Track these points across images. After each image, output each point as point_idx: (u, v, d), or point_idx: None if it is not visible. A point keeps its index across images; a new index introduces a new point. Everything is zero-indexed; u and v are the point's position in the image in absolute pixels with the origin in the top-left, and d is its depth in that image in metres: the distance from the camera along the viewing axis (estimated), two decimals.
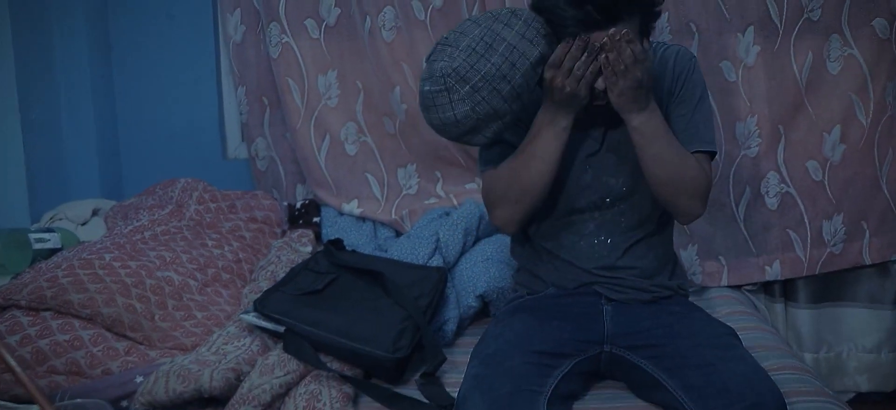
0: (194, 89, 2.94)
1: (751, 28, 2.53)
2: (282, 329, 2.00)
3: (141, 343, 2.02)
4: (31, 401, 1.84)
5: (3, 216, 2.61)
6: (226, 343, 1.99)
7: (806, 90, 2.57)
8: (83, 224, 2.58)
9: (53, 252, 2.35)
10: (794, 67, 2.56)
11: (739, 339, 1.86)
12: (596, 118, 1.88)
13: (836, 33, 2.55)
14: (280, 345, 1.98)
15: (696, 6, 2.54)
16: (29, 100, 2.64)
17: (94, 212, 2.63)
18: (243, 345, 1.98)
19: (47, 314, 2.00)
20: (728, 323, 2.06)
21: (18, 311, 2.01)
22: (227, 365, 1.87)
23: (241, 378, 1.88)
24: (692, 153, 1.86)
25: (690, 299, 2.06)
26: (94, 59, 2.84)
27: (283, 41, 2.73)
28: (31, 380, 1.46)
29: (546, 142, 1.81)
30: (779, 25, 2.53)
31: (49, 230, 2.40)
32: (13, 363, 1.48)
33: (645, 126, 1.77)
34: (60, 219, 2.54)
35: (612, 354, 1.87)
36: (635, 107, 1.75)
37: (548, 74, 1.74)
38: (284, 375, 1.89)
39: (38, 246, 2.32)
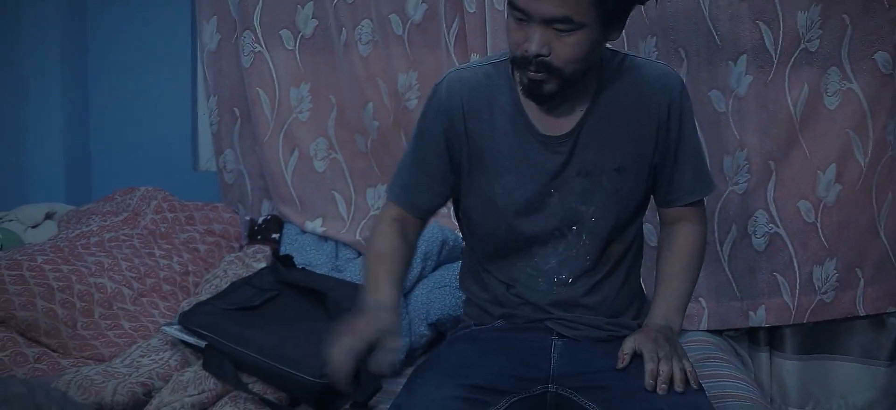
0: (169, 97, 2.88)
1: (743, 56, 2.37)
2: (204, 344, 1.87)
3: (55, 351, 1.92)
4: None
5: None
6: (143, 356, 1.87)
7: (800, 125, 2.40)
8: (34, 226, 2.49)
9: None
10: (789, 100, 2.39)
11: (701, 388, 1.67)
12: (560, 121, 1.69)
13: (836, 66, 2.38)
14: (201, 361, 1.85)
15: (686, 31, 2.39)
16: None
17: (48, 216, 2.55)
18: (161, 359, 1.86)
19: None
20: (702, 371, 1.90)
21: None
22: (136, 379, 1.75)
23: (152, 393, 1.75)
24: (694, 203, 1.75)
25: None
26: (67, 62, 2.79)
27: (256, 50, 2.63)
28: None
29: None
30: (773, 55, 2.36)
31: None
32: None
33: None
34: (11, 220, 2.45)
35: (558, 394, 1.67)
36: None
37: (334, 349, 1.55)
38: (198, 394, 1.76)
39: None
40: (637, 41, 2.44)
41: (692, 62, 2.40)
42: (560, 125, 1.68)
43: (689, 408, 1.55)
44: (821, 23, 2.34)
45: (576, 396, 1.64)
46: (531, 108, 1.68)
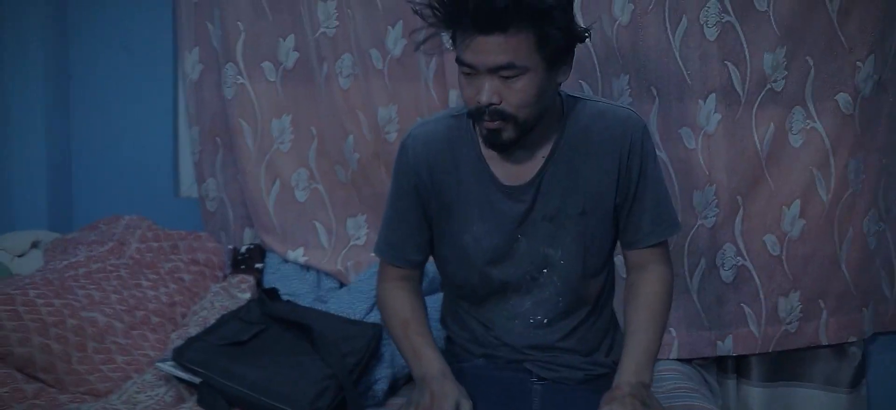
0: (151, 124, 2.96)
1: (712, 95, 2.52)
2: (198, 380, 1.98)
3: (52, 386, 2.01)
4: None
5: None
6: (139, 392, 1.98)
7: (767, 161, 2.55)
8: (21, 255, 2.57)
9: None
10: (756, 137, 2.54)
11: None
12: (522, 170, 1.81)
13: (800, 105, 2.53)
14: (195, 397, 1.96)
15: (657, 70, 2.53)
16: None
17: (34, 245, 2.63)
18: (156, 395, 1.97)
19: None
20: (672, 402, 2.06)
21: None
22: None
23: None
24: (657, 244, 1.86)
25: None
26: (49, 88, 2.86)
27: (239, 82, 2.73)
28: None
29: (411, 369, 1.85)
30: (741, 94, 2.52)
31: None
32: None
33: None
34: None
35: None
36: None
37: None
38: None
39: None
40: (610, 79, 2.57)
41: (663, 100, 2.54)
42: (522, 174, 1.80)
43: None
44: (786, 64, 2.49)
45: None
46: (493, 159, 1.80)
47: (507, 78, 1.65)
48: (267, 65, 2.75)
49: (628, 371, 1.75)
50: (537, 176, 1.79)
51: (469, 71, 1.67)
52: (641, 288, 1.85)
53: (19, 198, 2.84)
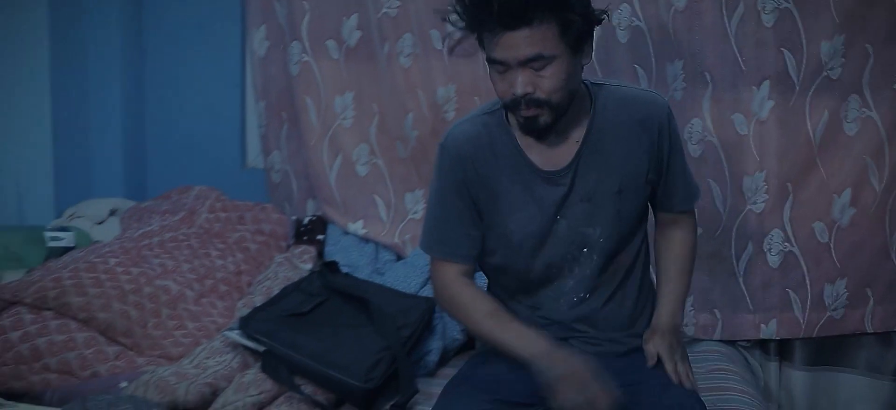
0: (220, 98, 3.13)
1: (767, 82, 2.58)
2: (262, 348, 2.16)
3: (130, 350, 2.21)
4: (25, 397, 2.06)
5: (30, 207, 2.86)
6: (208, 358, 2.16)
7: (819, 149, 2.61)
8: (100, 223, 2.78)
9: (67, 250, 2.55)
10: (809, 125, 2.59)
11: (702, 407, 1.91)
12: (558, 156, 1.92)
13: (856, 94, 2.57)
14: (259, 364, 2.14)
15: (713, 56, 2.60)
16: (61, 101, 2.87)
17: (112, 212, 2.83)
18: (224, 361, 2.15)
19: (48, 313, 2.20)
20: (710, 382, 2.22)
21: (23, 308, 2.21)
22: (204, 380, 2.05)
23: (217, 393, 2.05)
24: (687, 210, 2.04)
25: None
26: (126, 64, 3.06)
27: (303, 60, 2.88)
28: None
29: (517, 356, 1.88)
30: (796, 81, 2.57)
31: (64, 229, 2.60)
32: None
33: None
34: (79, 216, 2.75)
35: None
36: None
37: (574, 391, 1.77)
38: (258, 394, 2.05)
39: (52, 243, 2.53)
40: (665, 64, 2.65)
41: (717, 86, 2.61)
42: (558, 159, 1.92)
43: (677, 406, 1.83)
44: (844, 51, 2.53)
45: None
46: (530, 148, 1.92)
47: (537, 68, 1.78)
48: (331, 43, 2.89)
49: (664, 314, 2.00)
50: (574, 160, 1.91)
51: (501, 68, 1.80)
52: (672, 244, 2.07)
53: (98, 168, 3.05)
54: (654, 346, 1.94)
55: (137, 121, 3.14)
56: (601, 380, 1.77)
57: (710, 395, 2.22)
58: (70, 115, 2.93)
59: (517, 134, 1.92)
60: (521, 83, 1.77)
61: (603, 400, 1.75)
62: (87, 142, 3.03)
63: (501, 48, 1.75)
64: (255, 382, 2.07)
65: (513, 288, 2.03)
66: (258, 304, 2.35)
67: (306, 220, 2.91)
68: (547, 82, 1.78)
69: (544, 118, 1.83)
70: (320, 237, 2.86)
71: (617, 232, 1.95)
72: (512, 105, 1.83)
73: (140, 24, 3.10)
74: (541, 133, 1.88)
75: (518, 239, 1.95)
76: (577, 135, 1.92)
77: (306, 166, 2.98)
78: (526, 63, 1.76)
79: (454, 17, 1.80)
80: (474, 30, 1.80)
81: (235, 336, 2.19)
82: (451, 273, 1.98)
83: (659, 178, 1.97)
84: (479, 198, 1.96)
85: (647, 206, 2.03)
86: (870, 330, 2.67)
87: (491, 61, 1.80)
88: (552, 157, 1.92)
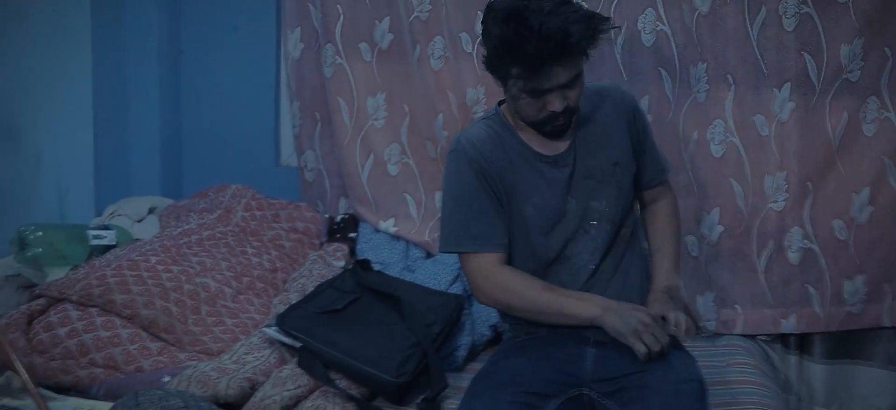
0: (254, 98, 3.23)
1: (788, 84, 2.64)
2: (299, 344, 2.25)
3: (173, 345, 2.31)
4: (73, 390, 2.16)
5: (72, 206, 2.96)
6: (247, 354, 2.26)
7: (838, 149, 2.67)
8: (139, 221, 2.89)
9: (108, 248, 2.66)
10: (829, 126, 2.66)
11: (704, 392, 2.02)
12: (557, 144, 2.14)
13: (875, 95, 2.63)
14: (295, 359, 2.24)
15: (735, 59, 2.67)
16: (101, 101, 2.98)
17: (151, 211, 2.94)
18: (262, 357, 2.25)
19: (94, 310, 2.31)
20: (729, 376, 2.34)
21: (70, 305, 2.32)
22: (244, 375, 2.14)
23: (256, 387, 2.15)
24: (662, 181, 2.32)
25: (699, 343, 2.34)
26: (163, 65, 3.16)
27: (337, 62, 2.97)
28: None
29: (580, 318, 2.05)
30: (816, 84, 2.64)
31: (106, 227, 2.71)
32: (16, 360, 1.76)
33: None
34: (119, 215, 2.86)
35: (593, 398, 2.05)
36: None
37: (647, 332, 1.97)
38: (295, 389, 2.15)
39: (94, 242, 2.64)
40: (688, 66, 2.72)
41: (739, 87, 2.68)
42: (558, 147, 2.14)
43: (674, 387, 1.95)
44: (863, 55, 2.60)
45: (605, 400, 2.02)
46: (532, 141, 2.14)
47: (570, 86, 2.00)
48: (363, 45, 2.98)
49: (661, 279, 2.21)
50: (571, 145, 2.14)
51: (537, 93, 1.99)
52: (658, 214, 2.32)
53: (136, 167, 3.16)
54: (656, 308, 2.07)
55: (174, 121, 3.25)
56: (660, 322, 1.99)
57: (730, 388, 2.32)
58: (110, 116, 3.04)
59: (520, 131, 2.14)
60: (559, 103, 2.00)
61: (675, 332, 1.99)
62: (126, 142, 3.14)
63: (547, 78, 1.96)
64: (292, 377, 2.17)
65: (533, 272, 2.16)
66: (293, 301, 2.44)
67: (339, 218, 3.00)
68: (575, 94, 2.02)
69: (568, 122, 2.08)
70: (352, 235, 2.95)
71: (618, 202, 2.16)
72: (546, 120, 2.04)
73: (178, 26, 3.20)
74: (565, 134, 2.12)
75: (536, 221, 2.13)
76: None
77: (339, 165, 3.08)
78: (563, 87, 1.98)
79: (503, 60, 1.99)
80: (520, 72, 1.97)
81: (273, 332, 2.29)
82: (491, 262, 2.12)
83: (639, 150, 2.22)
84: (499, 190, 2.12)
85: (633, 185, 2.24)
86: (887, 325, 2.74)
87: (531, 91, 1.99)
88: (552, 146, 2.14)
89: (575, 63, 1.96)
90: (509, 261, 2.16)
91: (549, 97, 1.99)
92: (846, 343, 2.79)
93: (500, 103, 2.21)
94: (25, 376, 1.85)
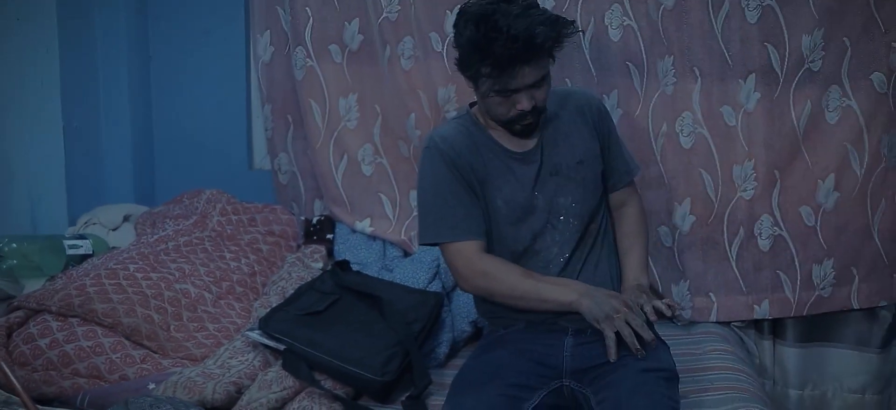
0: (225, 102, 3.23)
1: (753, 75, 2.71)
2: (282, 347, 2.27)
3: (156, 352, 2.31)
4: (57, 402, 2.16)
5: (45, 217, 2.94)
6: (231, 358, 2.27)
7: (803, 138, 2.74)
8: (114, 229, 2.88)
9: (85, 257, 2.65)
10: (793, 115, 2.73)
11: (674, 378, 2.07)
12: (525, 142, 2.22)
13: (836, 84, 2.71)
14: (280, 362, 2.26)
15: (701, 52, 2.73)
16: (71, 110, 2.96)
17: (126, 218, 2.94)
18: (246, 360, 2.26)
19: (75, 320, 2.30)
20: (707, 362, 2.42)
21: (49, 316, 2.31)
22: (230, 379, 2.16)
23: (242, 391, 2.16)
24: (629, 183, 2.38)
25: (675, 331, 2.41)
26: (133, 71, 3.15)
27: (308, 65, 2.98)
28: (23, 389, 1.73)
29: (559, 303, 2.11)
30: (780, 74, 2.71)
31: (82, 237, 2.70)
32: (7, 371, 1.76)
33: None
34: (94, 223, 2.85)
35: (573, 389, 2.11)
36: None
37: (620, 317, 2.01)
38: (281, 391, 2.17)
39: (71, 252, 2.63)
40: (656, 60, 2.77)
41: (705, 79, 2.74)
42: (526, 144, 2.23)
43: (644, 374, 2.00)
44: (823, 45, 2.67)
45: (582, 389, 2.09)
46: (502, 138, 2.23)
47: (537, 86, 2.10)
48: (333, 47, 2.99)
49: (630, 276, 2.28)
50: (538, 142, 2.24)
51: (506, 93, 2.09)
52: (626, 220, 2.38)
53: (109, 174, 3.15)
54: (630, 296, 2.13)
55: (146, 127, 3.24)
56: (635, 306, 2.04)
57: (708, 374, 2.39)
58: (80, 124, 3.02)
59: (490, 130, 2.23)
60: (527, 102, 2.10)
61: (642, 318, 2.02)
62: (97, 150, 3.13)
63: (517, 78, 2.06)
64: (278, 379, 2.19)
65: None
66: (274, 304, 2.46)
67: (315, 220, 3.02)
68: (542, 94, 2.13)
69: (536, 121, 2.17)
70: (329, 236, 2.97)
71: (584, 199, 2.24)
72: (515, 119, 2.14)
73: (146, 31, 3.19)
74: (533, 133, 2.21)
75: (506, 213, 2.21)
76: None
77: (312, 167, 3.09)
78: (532, 86, 2.08)
79: (473, 60, 2.08)
80: (493, 68, 2.05)
81: (256, 336, 2.31)
82: (471, 249, 2.18)
83: (605, 150, 2.30)
84: (472, 181, 2.20)
85: (602, 183, 2.32)
86: (856, 307, 2.82)
87: (500, 91, 2.09)
88: (521, 144, 2.23)
89: (541, 64, 2.08)
90: (489, 250, 2.21)
91: (517, 96, 2.09)
92: (817, 326, 2.87)
93: (471, 105, 2.29)
94: (22, 392, 1.83)
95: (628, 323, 1.99)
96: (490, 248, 2.21)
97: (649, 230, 2.58)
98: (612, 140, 2.34)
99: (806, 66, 2.70)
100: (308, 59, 2.98)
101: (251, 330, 2.34)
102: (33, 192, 2.97)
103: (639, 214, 2.41)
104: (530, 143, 2.23)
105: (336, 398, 2.19)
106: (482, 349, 2.24)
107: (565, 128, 2.27)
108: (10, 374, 1.76)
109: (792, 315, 2.82)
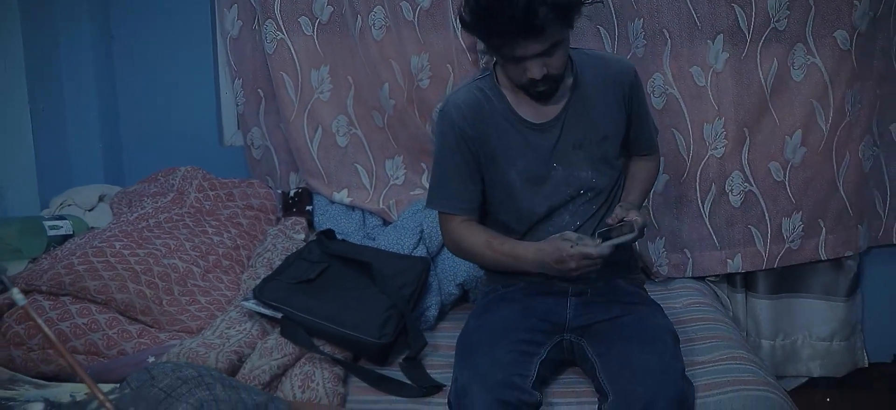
0: (192, 80, 3.25)
1: (720, 36, 2.86)
2: (279, 315, 2.34)
3: (152, 327, 2.36)
4: (56, 380, 2.19)
5: (15, 201, 2.93)
6: (228, 328, 2.33)
7: (771, 95, 2.90)
8: (90, 209, 2.89)
9: (66, 238, 2.67)
10: (760, 74, 2.89)
11: (674, 338, 2.19)
12: (546, 110, 2.25)
13: (801, 42, 2.88)
14: (277, 330, 2.33)
15: (670, 14, 2.88)
16: (37, 93, 2.95)
17: (101, 199, 2.95)
18: (244, 330, 2.32)
19: (66, 298, 2.33)
20: (689, 314, 2.53)
21: (40, 295, 2.33)
22: (231, 348, 2.22)
23: (243, 359, 2.23)
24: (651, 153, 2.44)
25: (654, 288, 2.49)
26: (97, 52, 3.15)
27: (278, 38, 3.03)
28: (71, 355, 1.76)
29: (520, 264, 2.22)
30: (747, 34, 2.86)
31: (61, 217, 2.72)
32: (54, 339, 1.78)
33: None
34: (69, 205, 2.86)
35: (571, 342, 2.23)
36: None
37: (570, 264, 2.08)
38: (282, 357, 2.24)
39: (52, 232, 2.64)
40: (626, 23, 2.90)
41: (675, 41, 2.89)
42: (547, 113, 2.27)
43: (651, 332, 2.15)
44: (788, 4, 2.83)
45: (580, 340, 2.22)
46: (520, 106, 2.26)
47: (549, 54, 2.11)
48: (303, 19, 3.05)
49: (630, 198, 2.36)
50: (561, 112, 2.26)
51: (516, 60, 2.11)
52: (638, 167, 2.47)
53: (78, 158, 3.15)
54: (625, 213, 2.19)
55: (112, 108, 3.24)
56: (578, 248, 2.08)
57: (691, 326, 2.52)
58: (47, 107, 3.02)
59: (508, 94, 2.26)
60: (539, 69, 2.11)
61: (585, 264, 2.08)
62: (65, 132, 3.12)
63: (522, 48, 2.07)
64: (278, 346, 2.26)
65: (516, 234, 2.31)
66: (262, 275, 2.52)
67: (292, 193, 3.08)
68: (556, 62, 2.14)
69: (552, 88, 2.19)
70: (308, 208, 3.03)
71: (605, 174, 2.30)
72: (529, 85, 2.16)
73: (108, 9, 3.19)
74: (549, 99, 2.23)
75: (520, 185, 2.27)
76: (564, 92, 2.26)
77: (287, 140, 3.14)
78: (541, 54, 2.09)
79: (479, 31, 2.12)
80: (495, 40, 2.10)
81: (252, 305, 2.37)
82: (454, 222, 2.31)
83: (632, 126, 2.34)
84: (480, 154, 2.25)
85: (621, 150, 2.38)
86: (823, 258, 3.00)
87: (507, 58, 2.12)
88: (541, 112, 2.26)
89: (550, 33, 2.04)
90: (487, 221, 2.33)
91: (527, 64, 2.11)
92: (787, 278, 3.05)
93: (495, 63, 2.31)
94: (86, 376, 1.82)
95: (576, 264, 2.07)
96: (505, 216, 2.31)
97: None
98: (642, 113, 2.39)
99: (772, 25, 2.85)
100: (278, 32, 3.03)
101: (246, 300, 2.40)
102: (3, 176, 2.96)
103: (653, 167, 2.51)
104: (552, 112, 2.26)
105: (337, 361, 2.27)
106: (484, 308, 2.33)
107: (594, 98, 2.28)
108: (75, 364, 1.76)
109: (764, 267, 2.99)
